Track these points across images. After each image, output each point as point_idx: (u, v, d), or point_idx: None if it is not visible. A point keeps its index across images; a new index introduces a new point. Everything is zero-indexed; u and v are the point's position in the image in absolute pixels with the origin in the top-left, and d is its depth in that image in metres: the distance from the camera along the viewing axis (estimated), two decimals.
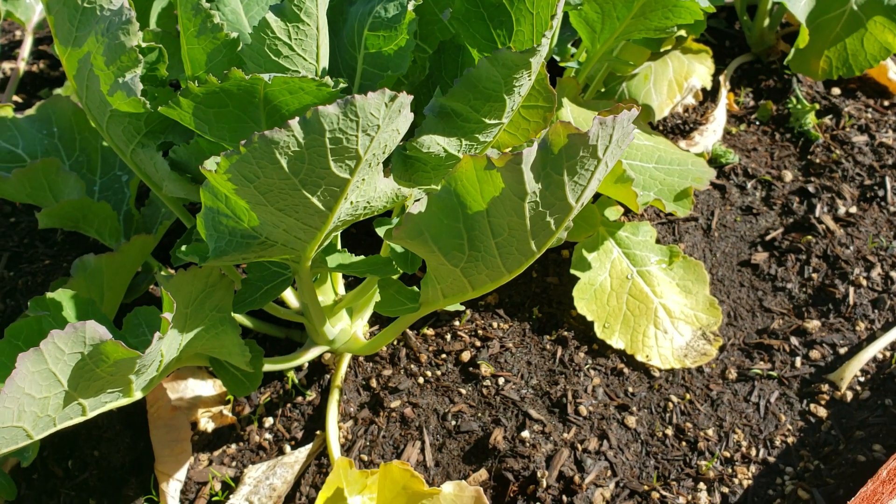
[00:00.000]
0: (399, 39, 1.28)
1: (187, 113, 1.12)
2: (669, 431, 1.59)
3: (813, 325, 1.75)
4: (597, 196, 1.79)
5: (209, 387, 1.67)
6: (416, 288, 1.35)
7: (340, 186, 1.01)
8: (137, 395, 1.18)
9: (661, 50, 2.09)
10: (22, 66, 2.37)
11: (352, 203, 1.10)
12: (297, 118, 0.91)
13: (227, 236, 1.13)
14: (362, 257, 1.34)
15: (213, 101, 1.10)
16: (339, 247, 1.58)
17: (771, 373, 1.68)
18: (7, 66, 2.52)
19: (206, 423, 1.64)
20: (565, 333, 1.75)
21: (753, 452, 1.56)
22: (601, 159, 1.05)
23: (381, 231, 1.31)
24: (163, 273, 1.72)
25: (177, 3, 1.21)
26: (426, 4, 1.42)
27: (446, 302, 1.31)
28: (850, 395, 1.63)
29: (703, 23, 1.75)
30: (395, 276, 1.38)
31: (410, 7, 1.25)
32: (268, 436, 1.62)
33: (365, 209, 1.15)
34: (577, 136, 1.00)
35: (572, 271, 1.75)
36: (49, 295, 1.24)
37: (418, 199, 1.32)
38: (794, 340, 1.73)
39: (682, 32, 1.93)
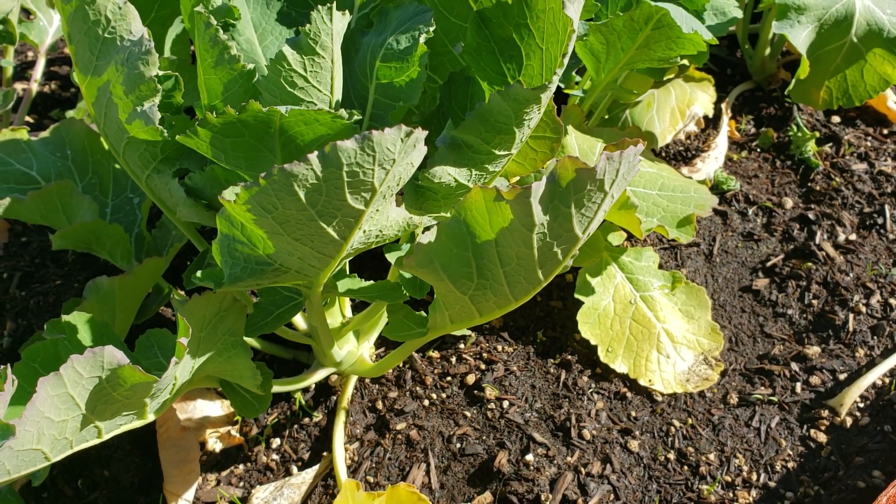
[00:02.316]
0: (410, 71, 1.31)
1: (204, 142, 1.15)
2: (672, 455, 1.61)
3: (813, 350, 1.78)
4: (601, 222, 1.82)
5: (217, 407, 1.69)
6: (423, 313, 1.37)
7: (355, 217, 1.04)
8: (150, 418, 1.20)
9: (664, 78, 2.12)
10: (34, 87, 2.40)
11: (365, 232, 1.12)
12: (315, 153, 0.94)
13: (242, 263, 1.16)
14: (372, 282, 1.37)
15: (230, 131, 1.12)
16: (347, 271, 1.61)
17: (772, 398, 1.70)
18: (20, 86, 2.56)
19: (215, 444, 1.66)
20: (569, 357, 1.78)
21: (754, 477, 1.57)
22: (608, 192, 1.08)
23: (391, 258, 1.34)
24: (175, 296, 1.75)
25: (193, 33, 1.25)
26: (437, 37, 1.46)
27: (454, 327, 1.33)
28: (849, 421, 1.66)
29: (706, 54, 1.78)
30: (403, 301, 1.40)
31: (422, 40, 1.28)
32: (275, 456, 1.64)
33: (377, 237, 1.17)
34: (584, 171, 1.03)
35: (576, 296, 1.78)
36: (65, 318, 1.27)
37: (428, 228, 1.35)
38: (794, 366, 1.76)
39: (685, 61, 1.97)
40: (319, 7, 1.14)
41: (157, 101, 1.19)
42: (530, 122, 1.20)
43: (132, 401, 1.08)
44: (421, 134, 0.99)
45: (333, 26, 1.16)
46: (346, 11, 1.19)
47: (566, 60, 1.10)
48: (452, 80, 1.39)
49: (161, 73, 1.36)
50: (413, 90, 1.32)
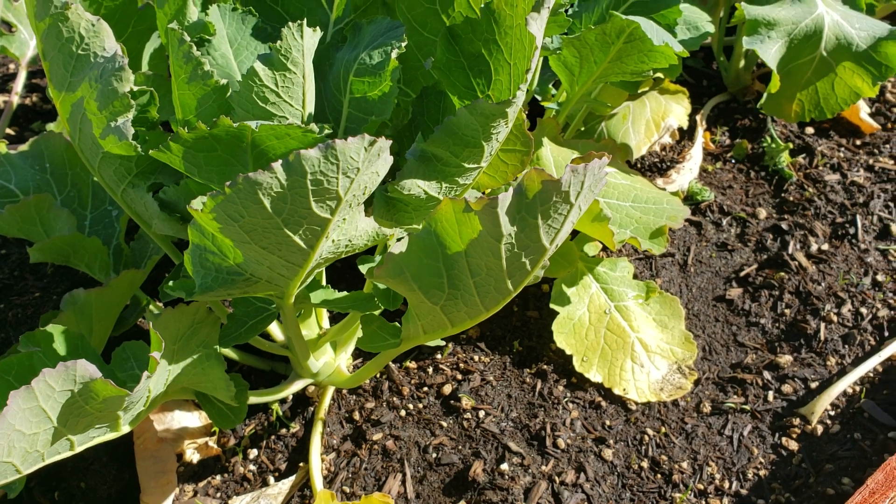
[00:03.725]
0: (383, 86, 1.33)
1: (177, 157, 1.16)
2: (645, 464, 1.63)
3: (785, 359, 1.80)
4: (575, 233, 1.85)
5: (195, 418, 1.70)
6: (397, 324, 1.39)
7: (321, 226, 1.05)
8: (125, 430, 1.21)
9: (640, 91, 2.15)
10: (15, 99, 2.41)
11: (333, 241, 1.14)
12: (280, 161, 0.96)
13: (213, 273, 1.17)
14: (345, 293, 1.38)
15: (203, 145, 1.14)
16: (323, 281, 1.63)
17: (744, 406, 1.73)
18: (1, 99, 2.57)
19: (192, 455, 1.66)
20: (545, 367, 1.80)
21: (726, 485, 1.59)
22: (573, 204, 1.10)
23: (363, 269, 1.36)
24: (152, 307, 1.76)
25: (168, 50, 1.26)
26: (410, 51, 1.48)
27: (427, 338, 1.35)
28: (820, 429, 1.68)
29: (679, 67, 1.81)
30: (377, 312, 1.42)
31: (394, 55, 1.30)
32: (252, 467, 1.64)
33: (346, 247, 1.19)
34: (550, 183, 1.05)
35: (552, 306, 1.80)
36: (40, 330, 1.28)
37: (400, 238, 1.36)
38: (766, 375, 1.78)
39: (660, 74, 2.00)
40: (290, 24, 1.15)
41: (130, 117, 1.20)
42: (498, 136, 1.22)
43: (105, 414, 1.09)
44: (385, 143, 1.01)
45: (304, 42, 1.18)
46: (317, 28, 1.21)
47: (530, 76, 1.13)
48: (425, 93, 1.42)
49: (136, 88, 1.37)
50: (385, 104, 1.34)
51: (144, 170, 1.33)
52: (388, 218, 1.28)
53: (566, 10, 1.84)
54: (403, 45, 1.31)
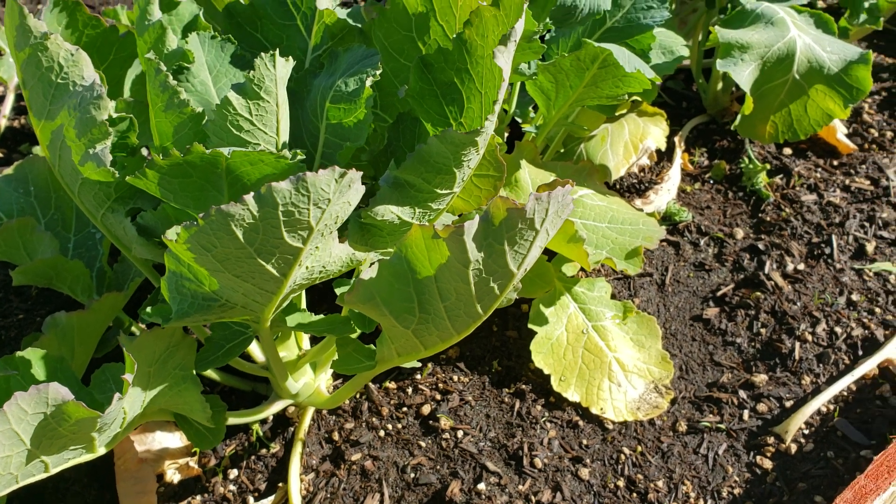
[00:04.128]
0: (358, 112, 1.36)
1: (153, 183, 1.18)
2: (621, 483, 1.65)
3: (760, 378, 1.83)
4: (553, 253, 1.87)
5: (176, 439, 1.72)
6: (373, 346, 1.41)
7: (294, 255, 1.08)
8: (101, 451, 1.23)
9: (618, 113, 2.19)
10: (3, 122, 2.44)
11: (307, 268, 1.16)
12: (252, 193, 0.98)
13: (189, 299, 1.19)
14: (321, 316, 1.41)
15: (178, 172, 1.17)
16: (303, 303, 1.65)
17: (719, 425, 1.75)
18: None
19: (173, 475, 1.68)
20: (523, 386, 1.82)
21: (701, 503, 1.61)
22: (539, 230, 1.13)
23: (338, 292, 1.38)
24: (133, 329, 1.78)
25: (146, 78, 1.29)
26: (386, 78, 1.51)
27: (401, 360, 1.37)
28: (794, 448, 1.70)
29: (654, 91, 1.85)
30: (354, 335, 1.44)
31: (369, 83, 1.33)
32: (232, 487, 1.66)
33: (321, 273, 1.21)
34: (515, 210, 1.08)
35: (530, 325, 1.82)
36: (18, 354, 1.29)
37: (375, 262, 1.39)
38: (742, 394, 1.80)
39: (636, 97, 2.03)
40: (262, 55, 1.18)
41: (108, 144, 1.22)
42: (470, 163, 1.24)
43: (79, 435, 1.11)
44: (355, 174, 1.03)
45: (277, 72, 1.21)
46: (290, 58, 1.24)
47: (498, 107, 1.16)
48: (401, 120, 1.44)
49: (117, 114, 1.40)
50: (360, 131, 1.37)
51: (123, 195, 1.36)
52: (362, 243, 1.30)
53: (542, 36, 1.88)
54: (378, 72, 1.34)
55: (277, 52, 1.20)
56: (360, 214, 1.25)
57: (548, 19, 1.71)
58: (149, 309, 1.24)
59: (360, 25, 1.57)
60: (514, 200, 1.09)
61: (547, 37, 1.95)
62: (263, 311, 1.22)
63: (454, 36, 1.29)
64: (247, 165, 1.17)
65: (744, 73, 1.92)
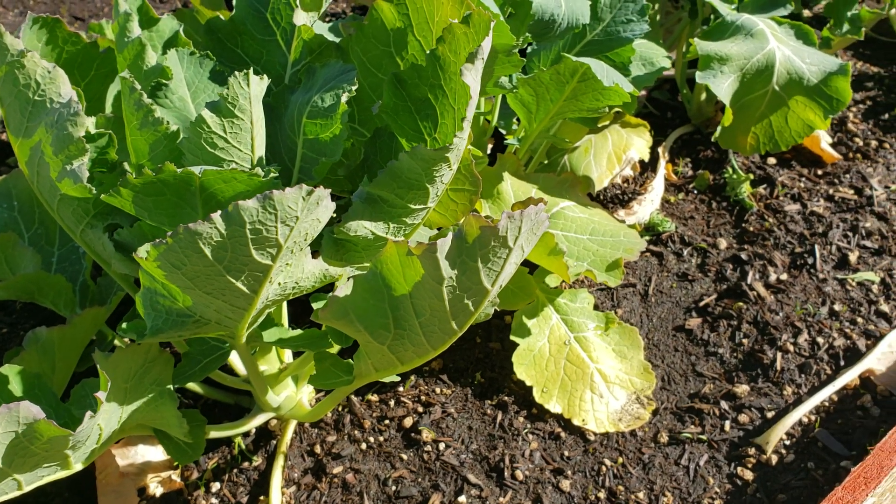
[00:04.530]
0: (334, 128, 1.37)
1: (127, 201, 1.19)
2: (602, 495, 1.65)
3: (742, 389, 1.83)
4: (535, 266, 1.88)
5: (159, 452, 1.72)
6: (351, 360, 1.41)
7: (263, 272, 1.08)
8: (77, 467, 1.23)
9: (601, 125, 2.20)
10: None
11: (279, 284, 1.17)
12: (219, 212, 0.99)
13: (164, 315, 1.20)
14: (299, 332, 1.41)
15: (151, 190, 1.17)
16: (283, 317, 1.65)
17: (701, 436, 1.75)
18: None
19: (155, 488, 1.68)
20: (506, 398, 1.82)
21: None
22: (512, 248, 1.13)
23: (315, 307, 1.39)
24: (116, 343, 1.78)
25: (122, 97, 1.30)
26: (364, 93, 1.52)
27: (379, 375, 1.38)
28: (775, 459, 1.70)
29: (634, 103, 1.86)
30: (331, 350, 1.44)
31: (344, 99, 1.34)
32: (214, 500, 1.66)
33: (294, 289, 1.22)
34: (487, 229, 1.09)
35: (512, 337, 1.83)
36: None
37: (350, 279, 1.40)
38: (724, 404, 1.81)
39: (618, 109, 2.04)
40: (236, 73, 1.19)
41: (86, 160, 1.23)
42: (443, 178, 1.25)
43: (52, 453, 1.12)
44: (324, 192, 1.04)
45: (251, 90, 1.22)
46: (264, 76, 1.25)
47: (466, 124, 1.16)
48: (378, 134, 1.45)
49: (96, 131, 1.41)
50: (336, 146, 1.37)
51: (102, 211, 1.36)
52: (337, 258, 1.31)
53: (523, 50, 1.89)
54: (354, 88, 1.35)
55: (251, 70, 1.21)
56: (332, 230, 1.26)
57: (527, 33, 1.72)
58: (124, 325, 1.25)
59: (337, 41, 1.58)
60: (486, 218, 1.09)
61: (529, 50, 1.96)
62: (237, 326, 1.23)
63: (427, 52, 1.30)
64: (220, 183, 1.18)
65: (723, 85, 1.93)
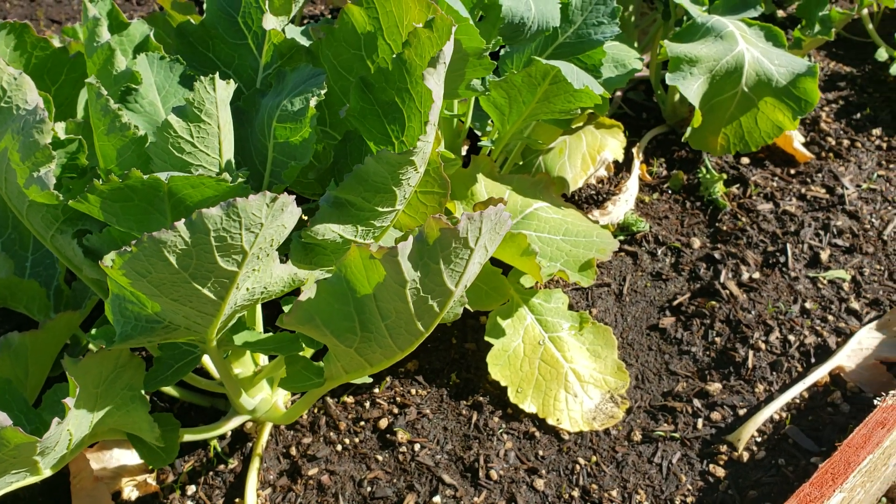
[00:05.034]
0: (303, 132, 1.38)
1: (95, 207, 1.20)
2: (576, 493, 1.67)
3: (715, 387, 1.85)
4: (509, 267, 1.89)
5: (134, 456, 1.72)
6: (322, 363, 1.42)
7: (230, 278, 1.09)
8: (47, 473, 1.23)
9: (576, 126, 2.21)
10: None
11: (248, 290, 1.18)
12: (183, 220, 1.00)
13: (133, 321, 1.20)
14: (270, 335, 1.42)
15: (119, 196, 1.18)
16: (257, 320, 1.66)
17: (674, 434, 1.77)
18: None
19: (131, 492, 1.68)
20: (481, 399, 1.83)
21: None
22: (474, 249, 1.15)
23: (286, 310, 1.39)
24: (91, 347, 1.78)
25: (88, 102, 1.30)
26: (335, 96, 1.53)
27: (350, 377, 1.39)
28: (746, 456, 1.72)
29: (606, 105, 1.87)
30: (304, 353, 1.45)
31: (313, 103, 1.34)
32: (189, 503, 1.67)
33: (262, 294, 1.23)
34: (448, 230, 1.10)
35: (486, 338, 1.84)
36: None
37: (314, 283, 1.40)
38: (696, 402, 1.83)
39: (593, 110, 2.06)
40: (202, 78, 1.20)
41: (52, 167, 1.23)
42: (409, 181, 1.26)
43: (20, 460, 1.12)
44: (288, 199, 1.05)
45: (217, 95, 1.22)
46: (230, 80, 1.25)
47: (430, 128, 1.17)
48: (348, 137, 1.46)
49: (66, 136, 1.41)
50: (305, 150, 1.38)
51: (71, 216, 1.37)
52: (306, 262, 1.32)
53: (496, 53, 1.90)
54: (323, 92, 1.36)
55: (217, 74, 1.22)
56: (300, 235, 1.27)
57: (498, 36, 1.73)
58: (94, 331, 1.25)
59: (308, 45, 1.58)
60: (447, 220, 1.11)
61: (502, 53, 1.97)
62: (206, 332, 1.23)
63: (394, 56, 1.31)
64: (188, 188, 1.18)
65: (692, 87, 1.95)
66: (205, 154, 1.27)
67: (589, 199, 2.28)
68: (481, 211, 1.11)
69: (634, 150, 2.37)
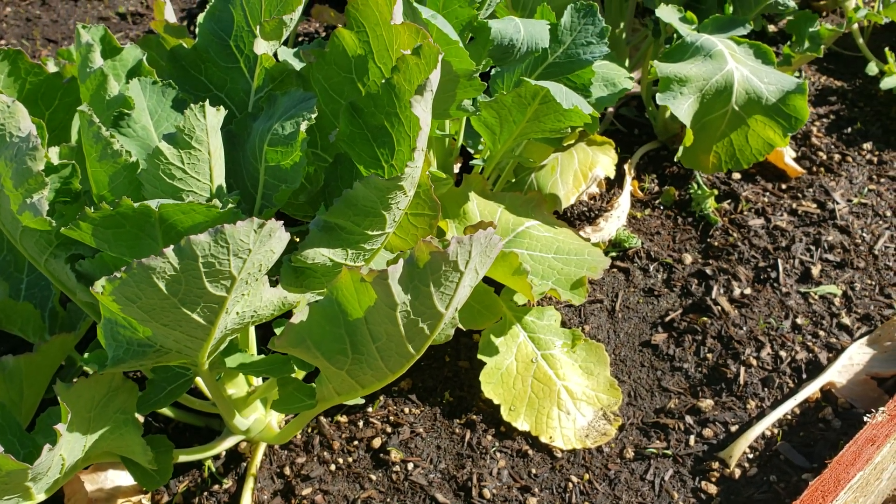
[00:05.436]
0: (294, 155, 1.39)
1: (87, 234, 1.21)
2: None
3: (706, 403, 1.86)
4: (501, 285, 1.90)
5: (129, 477, 1.73)
6: (314, 385, 1.43)
7: (219, 303, 1.10)
8: (40, 498, 1.24)
9: (567, 143, 2.23)
10: None
11: (238, 314, 1.19)
12: (171, 246, 1.01)
13: (125, 345, 1.21)
14: (262, 357, 1.43)
15: (110, 223, 1.19)
16: (250, 341, 1.67)
17: (666, 451, 1.78)
18: None
19: None
20: (474, 417, 1.84)
21: None
22: (463, 272, 1.16)
23: (278, 332, 1.40)
24: (87, 369, 1.79)
25: (80, 129, 1.31)
26: (326, 119, 1.54)
27: (342, 398, 1.40)
28: (738, 472, 1.73)
29: (595, 124, 1.89)
30: (294, 375, 1.46)
31: (304, 127, 1.36)
32: None
33: (253, 317, 1.24)
34: (438, 254, 1.11)
35: (479, 356, 1.85)
36: None
37: (306, 306, 1.41)
38: (688, 419, 1.84)
39: (582, 128, 2.07)
40: (192, 105, 1.21)
41: (45, 194, 1.25)
42: (398, 205, 1.28)
43: (12, 486, 1.13)
44: (275, 224, 1.06)
45: (207, 121, 1.24)
46: (220, 107, 1.27)
47: (417, 155, 1.19)
48: (338, 160, 1.48)
49: (59, 161, 1.42)
50: (296, 173, 1.39)
51: (64, 241, 1.38)
52: (297, 285, 1.33)
53: (486, 73, 1.92)
54: (313, 116, 1.37)
55: (207, 102, 1.23)
56: (290, 258, 1.28)
57: (488, 58, 1.75)
58: (86, 355, 1.26)
59: (299, 68, 1.60)
60: (437, 244, 1.12)
61: (493, 73, 1.99)
62: (197, 355, 1.25)
63: (383, 81, 1.33)
64: (179, 214, 1.19)
65: (683, 107, 1.97)
66: (195, 180, 1.28)
67: (581, 216, 2.30)
68: (471, 234, 1.12)
69: (626, 167, 2.39)
